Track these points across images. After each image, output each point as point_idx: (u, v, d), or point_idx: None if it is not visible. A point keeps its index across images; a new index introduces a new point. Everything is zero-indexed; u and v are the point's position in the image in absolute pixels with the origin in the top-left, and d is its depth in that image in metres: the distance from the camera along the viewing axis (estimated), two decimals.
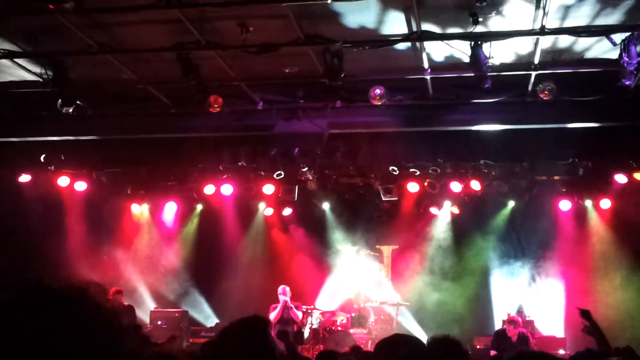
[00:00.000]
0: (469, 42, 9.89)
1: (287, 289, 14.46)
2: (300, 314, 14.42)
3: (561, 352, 13.35)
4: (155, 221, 17.28)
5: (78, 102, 12.22)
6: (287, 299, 14.31)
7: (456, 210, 16.10)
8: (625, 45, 9.45)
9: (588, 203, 15.56)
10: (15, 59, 11.33)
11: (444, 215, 16.32)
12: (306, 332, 14.75)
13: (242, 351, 3.69)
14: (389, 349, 4.22)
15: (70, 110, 11.96)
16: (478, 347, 14.23)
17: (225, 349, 3.70)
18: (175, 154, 14.94)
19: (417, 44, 10.42)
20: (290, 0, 9.07)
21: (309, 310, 15.15)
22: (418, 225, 16.54)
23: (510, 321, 13.57)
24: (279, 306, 14.27)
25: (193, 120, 13.21)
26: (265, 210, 17.05)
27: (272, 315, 14.13)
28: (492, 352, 12.78)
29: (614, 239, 15.32)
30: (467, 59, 10.15)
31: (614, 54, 10.03)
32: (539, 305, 15.51)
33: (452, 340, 4.64)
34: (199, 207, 17.19)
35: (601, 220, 15.52)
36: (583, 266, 15.33)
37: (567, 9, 9.29)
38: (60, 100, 11.73)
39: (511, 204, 15.86)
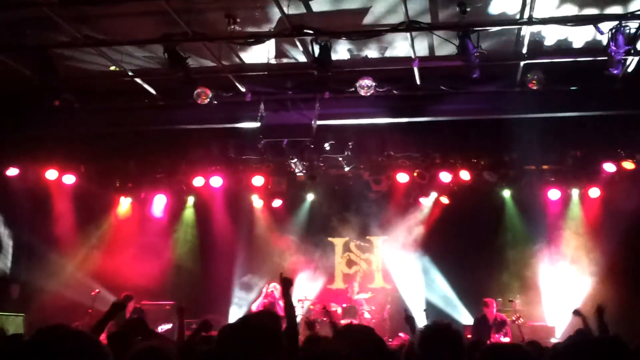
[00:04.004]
0: (457, 33, 9.88)
1: (277, 285, 14.49)
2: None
3: (552, 340, 13.38)
4: (144, 214, 17.18)
5: (65, 95, 12.16)
6: (276, 294, 14.39)
7: (446, 200, 16.09)
8: (613, 34, 9.46)
9: (577, 192, 15.59)
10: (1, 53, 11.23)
11: (433, 205, 16.31)
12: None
13: (257, 344, 3.84)
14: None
15: (57, 103, 11.89)
16: (468, 336, 14.24)
17: (239, 343, 3.82)
18: (164, 147, 14.90)
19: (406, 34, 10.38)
20: None
21: (301, 301, 15.22)
22: (408, 216, 16.51)
23: (484, 303, 13.74)
24: (260, 299, 14.54)
25: (181, 113, 13.15)
26: (255, 202, 16.99)
27: (255, 308, 14.39)
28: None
29: (603, 227, 15.34)
30: (455, 49, 10.13)
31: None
32: (529, 294, 15.51)
33: (450, 329, 4.39)
34: (191, 199, 17.12)
35: (590, 209, 15.55)
36: (573, 255, 15.36)
37: None
38: (47, 94, 11.66)
39: (506, 193, 15.87)
